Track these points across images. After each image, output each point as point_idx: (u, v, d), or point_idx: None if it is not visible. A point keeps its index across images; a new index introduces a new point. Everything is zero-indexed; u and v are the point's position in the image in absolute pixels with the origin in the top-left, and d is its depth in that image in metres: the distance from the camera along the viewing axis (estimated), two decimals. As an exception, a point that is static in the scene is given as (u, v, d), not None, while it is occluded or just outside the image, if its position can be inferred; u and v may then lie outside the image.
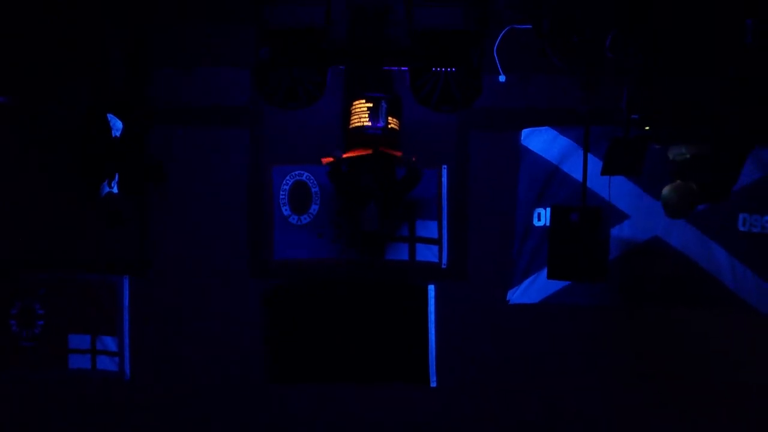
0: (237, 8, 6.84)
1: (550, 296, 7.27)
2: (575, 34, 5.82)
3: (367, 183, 7.00)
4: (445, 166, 7.47)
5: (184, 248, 7.47)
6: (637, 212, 7.13)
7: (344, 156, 6.96)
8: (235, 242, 7.49)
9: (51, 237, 7.41)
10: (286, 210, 7.51)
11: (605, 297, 7.13)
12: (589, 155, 6.15)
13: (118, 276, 7.52)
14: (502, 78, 7.00)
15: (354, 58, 6.53)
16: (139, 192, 6.85)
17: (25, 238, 7.41)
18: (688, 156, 5.70)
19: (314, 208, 7.52)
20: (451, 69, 6.44)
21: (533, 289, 7.32)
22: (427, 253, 7.53)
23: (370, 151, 6.92)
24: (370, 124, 6.93)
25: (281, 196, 7.49)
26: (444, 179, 7.47)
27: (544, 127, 7.31)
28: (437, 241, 7.52)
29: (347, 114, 7.05)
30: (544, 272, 6.33)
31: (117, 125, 6.50)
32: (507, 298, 7.38)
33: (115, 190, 6.47)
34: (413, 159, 7.04)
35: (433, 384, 7.54)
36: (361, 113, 6.96)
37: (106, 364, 7.55)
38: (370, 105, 6.93)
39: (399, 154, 7.06)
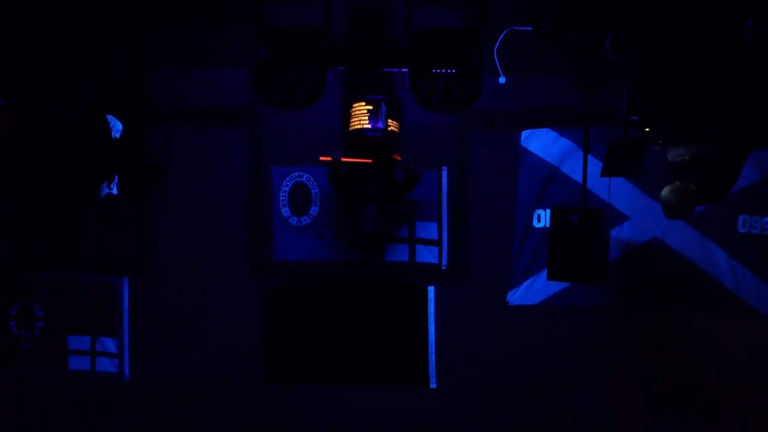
0: (237, 8, 6.86)
1: (549, 297, 7.28)
2: (575, 34, 5.82)
3: (366, 187, 6.99)
4: (445, 168, 7.47)
5: (184, 248, 7.47)
6: (636, 213, 7.13)
7: (344, 160, 6.95)
8: (235, 242, 7.49)
9: (51, 237, 7.41)
10: (286, 211, 7.50)
11: (605, 298, 7.13)
12: (589, 156, 6.13)
13: (118, 276, 7.52)
14: (502, 79, 7.00)
15: (354, 58, 6.54)
16: (138, 192, 6.87)
17: (25, 239, 7.42)
18: (686, 157, 5.70)
19: (314, 210, 7.52)
20: (451, 70, 6.44)
21: (533, 290, 7.32)
22: (426, 255, 7.53)
23: (370, 161, 6.93)
24: (369, 126, 6.91)
25: (281, 198, 7.49)
26: (444, 180, 7.47)
27: (544, 129, 7.31)
28: (437, 243, 7.52)
29: (347, 116, 7.04)
30: (544, 273, 6.33)
31: (117, 127, 6.52)
32: (507, 300, 7.38)
33: (115, 191, 6.48)
34: (411, 165, 7.03)
35: (433, 385, 7.54)
36: (360, 115, 6.94)
37: (105, 365, 7.55)
38: (370, 107, 6.91)
39: (398, 158, 7.06)
